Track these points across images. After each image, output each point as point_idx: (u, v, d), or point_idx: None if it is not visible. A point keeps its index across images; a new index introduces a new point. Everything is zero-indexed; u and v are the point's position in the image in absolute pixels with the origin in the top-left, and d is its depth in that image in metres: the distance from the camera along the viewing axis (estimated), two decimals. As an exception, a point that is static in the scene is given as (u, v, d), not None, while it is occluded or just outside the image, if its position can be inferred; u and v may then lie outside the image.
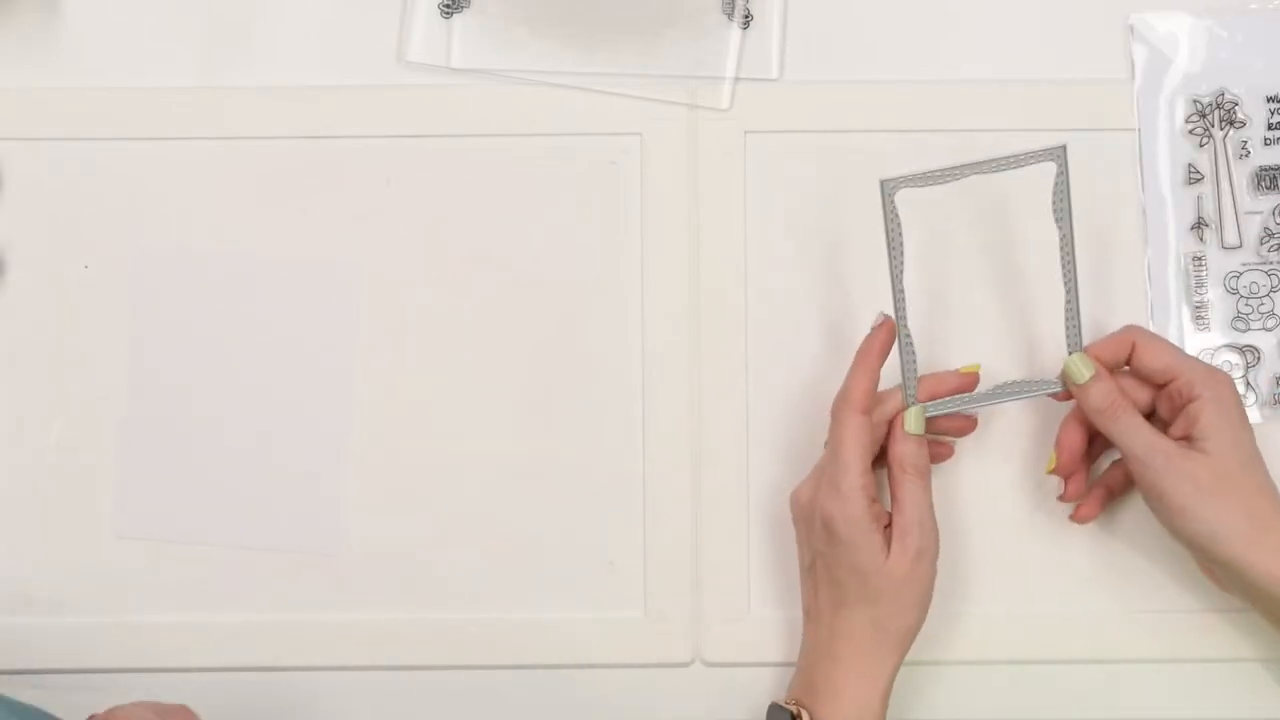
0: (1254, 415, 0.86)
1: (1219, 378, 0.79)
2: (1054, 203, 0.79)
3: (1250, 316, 0.87)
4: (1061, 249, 0.79)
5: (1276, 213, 0.87)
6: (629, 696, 0.86)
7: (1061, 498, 0.84)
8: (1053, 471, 0.84)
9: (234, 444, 0.86)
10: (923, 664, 0.84)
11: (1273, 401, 0.86)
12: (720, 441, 0.87)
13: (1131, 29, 0.88)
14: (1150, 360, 0.80)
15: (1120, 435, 0.80)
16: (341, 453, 0.87)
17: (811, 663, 0.81)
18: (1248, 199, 0.87)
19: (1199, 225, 0.87)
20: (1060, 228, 0.79)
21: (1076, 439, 0.83)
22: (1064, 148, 0.78)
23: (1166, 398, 0.81)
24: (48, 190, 0.87)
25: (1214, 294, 0.87)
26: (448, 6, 0.88)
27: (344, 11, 0.88)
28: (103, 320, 0.87)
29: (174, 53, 0.88)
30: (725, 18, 0.88)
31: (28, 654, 0.85)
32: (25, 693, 0.77)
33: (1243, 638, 0.85)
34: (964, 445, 0.86)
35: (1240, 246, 0.87)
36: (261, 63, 0.88)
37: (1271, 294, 0.87)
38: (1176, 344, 0.85)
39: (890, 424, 0.81)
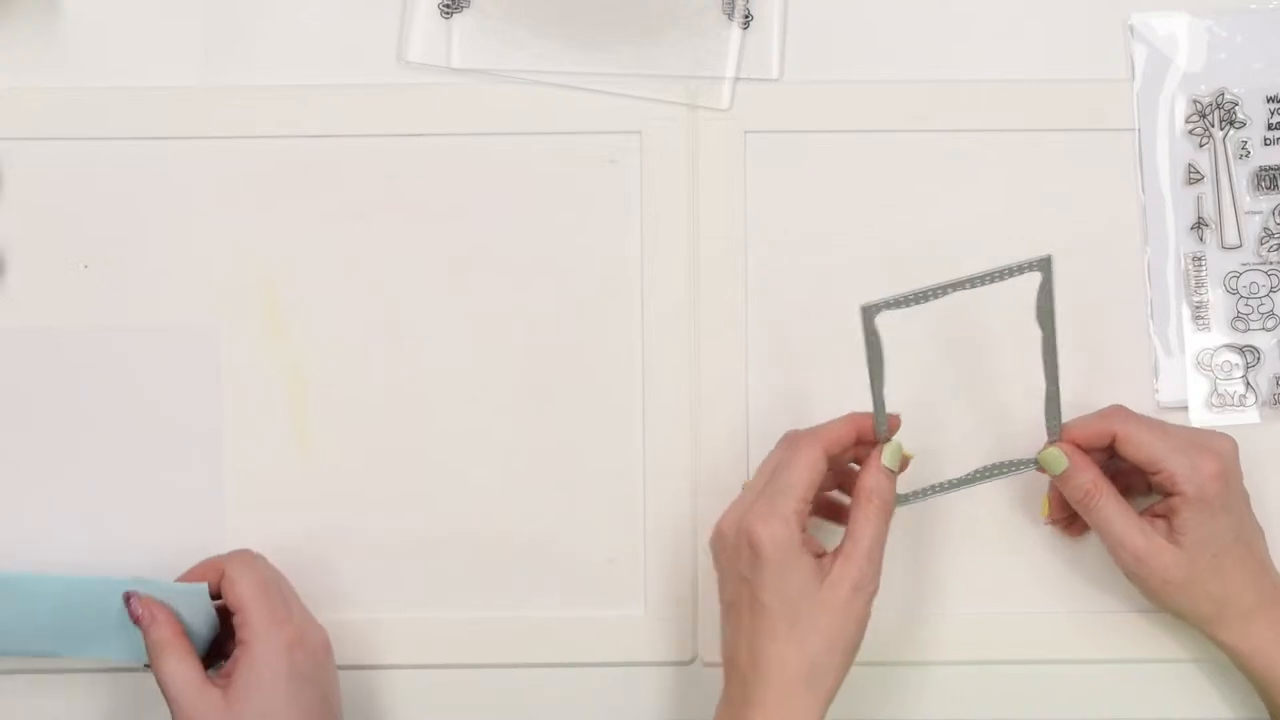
0: (1253, 416, 0.86)
1: (1204, 470, 0.78)
2: (1038, 306, 0.76)
3: (1250, 316, 0.87)
4: (1044, 350, 0.77)
5: (1276, 213, 0.87)
6: (629, 696, 0.87)
7: (1052, 523, 0.85)
8: (1047, 517, 0.85)
9: (234, 443, 0.87)
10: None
11: (1273, 401, 0.86)
12: (720, 439, 0.87)
13: (1131, 29, 0.88)
14: (1133, 452, 0.80)
15: (1096, 524, 0.80)
16: (340, 451, 0.87)
17: (734, 710, 0.76)
18: (1248, 199, 0.87)
19: (1199, 225, 0.87)
20: (1043, 330, 0.77)
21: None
22: (1049, 259, 0.74)
23: (1152, 480, 0.81)
24: (48, 190, 0.87)
25: (1214, 294, 0.87)
26: (448, 6, 0.88)
27: (344, 11, 0.88)
28: (102, 320, 0.87)
29: (174, 53, 0.88)
30: (725, 18, 0.88)
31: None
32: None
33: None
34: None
35: (1240, 246, 0.87)
36: (261, 63, 0.88)
37: (1271, 294, 0.87)
38: (1177, 348, 0.86)
39: (868, 457, 0.78)
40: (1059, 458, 0.80)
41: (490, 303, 0.87)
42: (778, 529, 0.75)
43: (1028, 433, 0.82)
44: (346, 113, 0.88)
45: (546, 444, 0.87)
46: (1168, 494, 0.79)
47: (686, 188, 0.87)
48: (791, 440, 0.79)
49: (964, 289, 0.75)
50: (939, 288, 0.75)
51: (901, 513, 0.79)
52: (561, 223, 0.88)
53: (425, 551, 0.87)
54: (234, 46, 0.88)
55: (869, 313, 0.75)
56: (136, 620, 0.78)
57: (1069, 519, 0.85)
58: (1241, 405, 0.86)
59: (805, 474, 0.76)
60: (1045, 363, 0.78)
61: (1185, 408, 0.87)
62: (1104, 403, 0.84)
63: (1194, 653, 0.86)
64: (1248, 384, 0.87)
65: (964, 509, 0.86)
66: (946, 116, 0.88)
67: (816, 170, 0.88)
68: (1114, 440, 0.80)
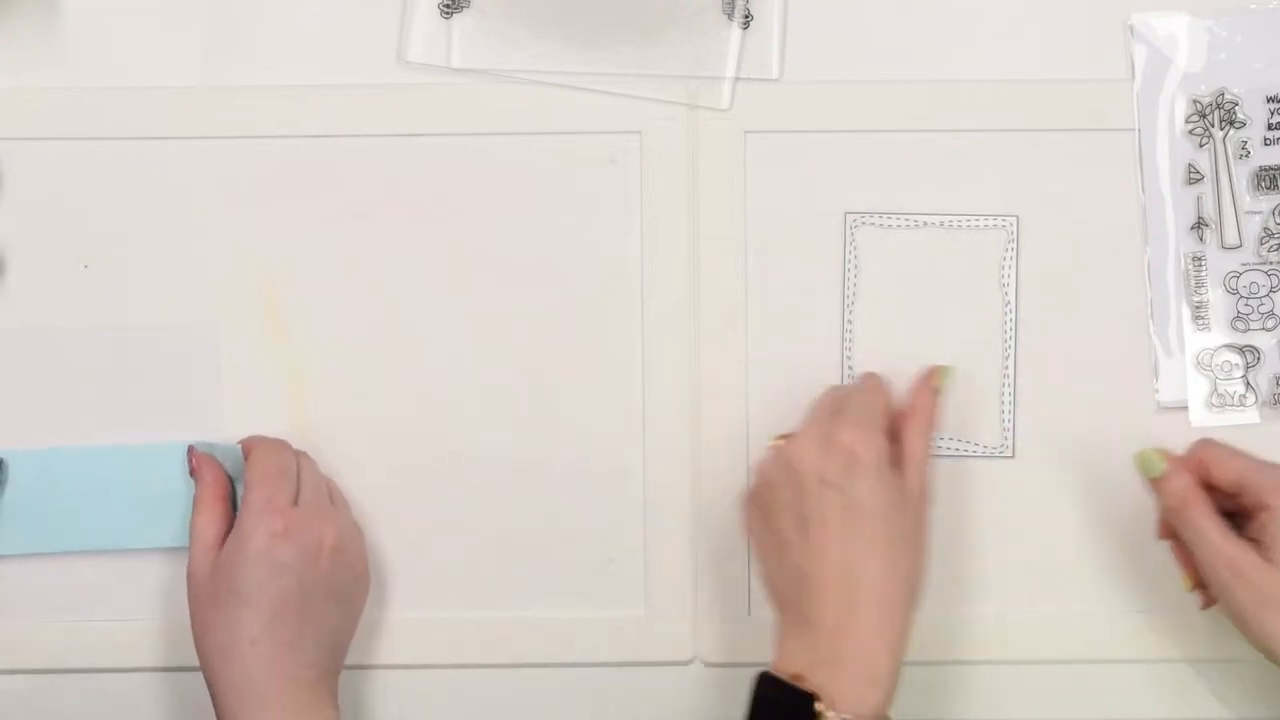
0: (1253, 416, 0.86)
1: None
2: (1000, 268, 0.78)
3: (1250, 316, 0.87)
4: (1004, 317, 0.78)
5: (1276, 213, 0.87)
6: (629, 696, 0.87)
7: (1204, 607, 0.84)
8: (1193, 589, 0.83)
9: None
10: (934, 664, 0.85)
11: (1273, 401, 0.86)
12: (720, 440, 0.87)
13: (1131, 29, 0.88)
14: (1220, 474, 0.79)
15: (1189, 536, 0.79)
16: (340, 451, 0.87)
17: (822, 634, 0.75)
18: (1248, 199, 0.87)
19: (1199, 225, 0.87)
20: (1004, 294, 0.78)
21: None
22: (1016, 218, 0.77)
23: (1242, 504, 0.80)
24: (48, 190, 0.87)
25: (1214, 294, 0.87)
26: (448, 6, 0.88)
27: (344, 11, 0.88)
28: (102, 320, 0.87)
29: (174, 53, 0.88)
30: (725, 18, 0.88)
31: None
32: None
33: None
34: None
35: (1240, 246, 0.87)
36: (261, 63, 0.88)
37: (1271, 294, 0.87)
38: (1177, 348, 0.86)
39: (917, 379, 0.82)
40: (1157, 458, 0.80)
41: (490, 303, 0.87)
42: (871, 436, 0.78)
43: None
44: (346, 113, 0.88)
45: (546, 443, 0.87)
46: (1257, 512, 0.78)
47: (686, 188, 0.87)
48: (861, 378, 0.83)
49: (936, 226, 0.81)
50: (916, 215, 0.83)
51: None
52: (561, 223, 0.88)
53: (425, 551, 0.87)
54: (234, 46, 0.88)
55: (851, 221, 0.81)
56: (191, 472, 0.82)
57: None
58: (1241, 405, 0.86)
59: (882, 399, 0.80)
60: (1003, 336, 0.78)
61: (1185, 408, 0.87)
62: (1104, 402, 0.84)
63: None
64: (1248, 384, 0.87)
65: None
66: (946, 116, 0.88)
67: (816, 170, 0.88)
68: (1200, 466, 0.80)
